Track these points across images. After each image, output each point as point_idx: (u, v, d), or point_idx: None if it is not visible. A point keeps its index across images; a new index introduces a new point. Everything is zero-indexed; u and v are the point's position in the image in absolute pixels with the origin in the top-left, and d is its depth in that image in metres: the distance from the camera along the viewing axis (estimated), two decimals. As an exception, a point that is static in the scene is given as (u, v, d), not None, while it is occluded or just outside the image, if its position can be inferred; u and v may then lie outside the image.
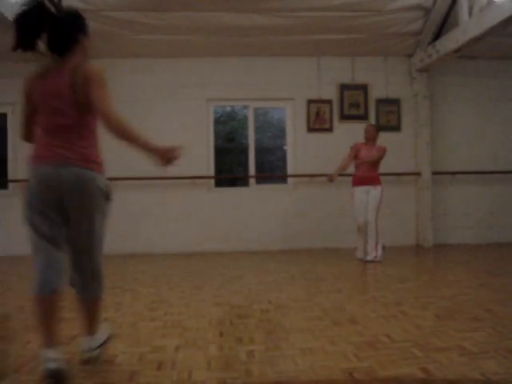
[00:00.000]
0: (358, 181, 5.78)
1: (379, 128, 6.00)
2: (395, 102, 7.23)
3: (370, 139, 5.77)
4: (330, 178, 5.72)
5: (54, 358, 2.01)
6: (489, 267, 5.21)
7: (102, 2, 5.99)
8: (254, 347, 2.57)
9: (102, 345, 2.41)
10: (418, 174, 7.13)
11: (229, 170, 7.92)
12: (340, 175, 6.69)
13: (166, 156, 2.10)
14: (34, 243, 2.12)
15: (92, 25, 7.10)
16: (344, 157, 5.88)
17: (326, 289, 4.14)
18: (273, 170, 7.97)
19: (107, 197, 2.24)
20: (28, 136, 2.28)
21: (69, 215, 2.14)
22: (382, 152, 5.68)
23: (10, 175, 6.97)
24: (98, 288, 2.32)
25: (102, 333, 2.45)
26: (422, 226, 7.10)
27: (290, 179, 7.24)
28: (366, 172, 5.71)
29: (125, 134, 2.06)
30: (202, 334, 2.84)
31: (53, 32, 2.21)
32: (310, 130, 7.15)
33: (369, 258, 5.60)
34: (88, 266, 2.24)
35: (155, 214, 6.88)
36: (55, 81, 2.13)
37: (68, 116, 2.12)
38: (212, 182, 7.13)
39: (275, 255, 6.41)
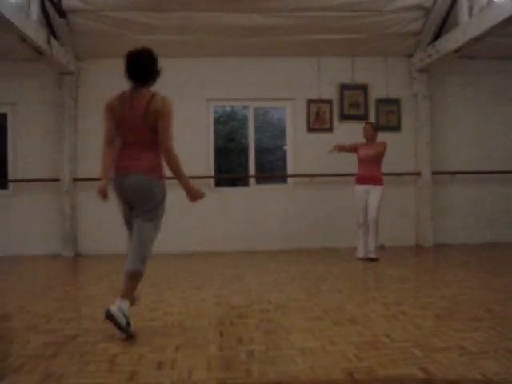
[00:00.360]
0: (359, 179, 5.81)
1: (377, 126, 6.02)
2: (395, 102, 7.23)
3: (370, 138, 5.79)
4: (335, 147, 5.80)
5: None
6: (489, 267, 5.21)
7: (101, 1, 6.00)
8: (254, 347, 2.58)
9: (123, 311, 2.74)
10: (418, 174, 7.12)
11: (229, 169, 7.93)
12: (341, 175, 6.77)
13: (195, 196, 2.91)
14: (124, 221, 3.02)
15: (92, 25, 7.16)
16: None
17: (326, 289, 4.14)
18: (273, 170, 7.97)
19: (162, 196, 2.92)
20: (108, 144, 2.92)
21: (133, 206, 2.90)
22: (382, 148, 5.65)
23: (10, 175, 6.96)
24: (138, 262, 2.83)
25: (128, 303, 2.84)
26: (422, 225, 7.10)
27: (290, 179, 7.23)
28: (367, 171, 5.73)
29: (175, 169, 2.82)
30: (202, 334, 2.84)
31: (134, 65, 2.88)
32: (310, 129, 7.14)
33: (370, 255, 5.66)
34: (136, 245, 2.85)
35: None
36: (133, 108, 2.82)
37: (139, 136, 2.84)
38: (212, 181, 7.13)
39: (275, 255, 6.41)
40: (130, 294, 2.82)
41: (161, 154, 2.87)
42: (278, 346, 2.59)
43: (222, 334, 2.85)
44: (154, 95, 2.83)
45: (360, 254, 5.78)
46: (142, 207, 2.87)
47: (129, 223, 2.97)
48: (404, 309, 3.35)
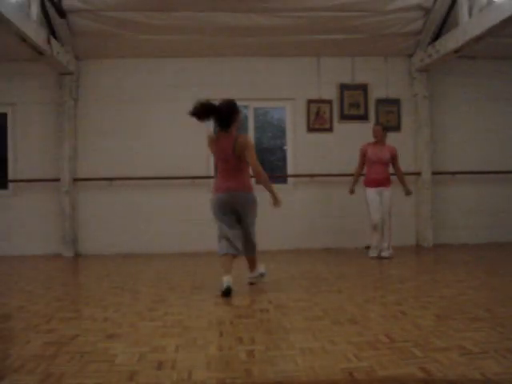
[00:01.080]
0: (371, 182, 5.90)
1: (386, 127, 6.10)
2: (395, 102, 7.23)
3: (380, 139, 5.91)
4: (351, 191, 6.01)
5: (227, 280, 3.84)
6: (489, 267, 5.21)
7: (101, 2, 6.00)
8: (254, 347, 2.57)
9: (259, 275, 4.35)
10: (418, 173, 7.12)
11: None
12: (341, 175, 6.79)
13: (277, 201, 4.06)
14: (219, 228, 4.01)
15: (92, 25, 7.16)
16: (356, 166, 6.09)
17: (325, 289, 4.14)
18: (273, 169, 7.96)
19: (256, 203, 4.05)
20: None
21: (239, 215, 4.02)
22: (396, 156, 5.92)
23: (10, 175, 6.96)
24: (253, 250, 4.18)
25: (259, 269, 4.36)
26: (422, 225, 7.10)
27: (290, 179, 7.23)
28: (379, 173, 5.84)
29: (264, 182, 3.96)
30: (202, 334, 2.84)
31: (220, 118, 3.94)
32: (310, 130, 7.14)
33: (384, 254, 5.83)
34: (249, 239, 4.10)
35: (155, 214, 6.88)
36: (224, 144, 3.95)
37: (231, 163, 3.95)
38: (212, 182, 7.11)
39: (275, 255, 6.41)
40: (254, 267, 4.28)
41: (247, 174, 4.01)
42: (278, 346, 2.59)
43: (221, 334, 2.85)
44: (238, 136, 3.94)
45: (374, 253, 5.87)
46: (246, 214, 4.00)
47: (230, 226, 3.98)
48: (404, 309, 3.35)
